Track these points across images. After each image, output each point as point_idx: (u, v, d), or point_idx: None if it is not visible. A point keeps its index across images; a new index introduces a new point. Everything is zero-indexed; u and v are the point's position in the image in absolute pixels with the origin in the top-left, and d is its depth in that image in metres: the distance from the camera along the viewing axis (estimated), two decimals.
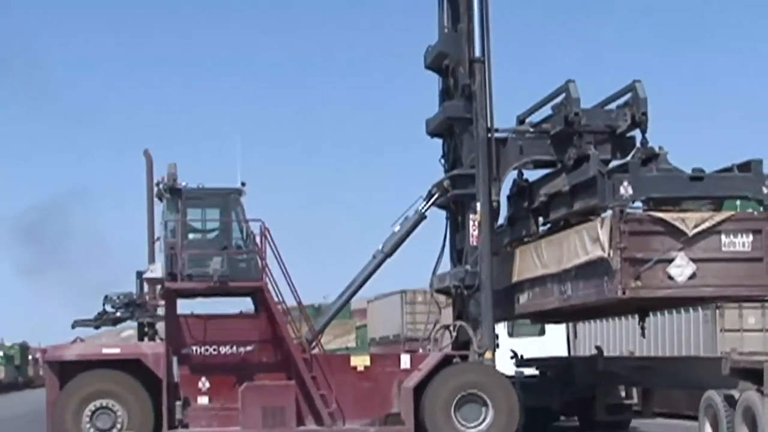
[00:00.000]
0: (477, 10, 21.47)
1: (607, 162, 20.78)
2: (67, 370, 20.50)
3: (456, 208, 22.39)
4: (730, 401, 17.74)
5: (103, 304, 21.79)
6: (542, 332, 29.75)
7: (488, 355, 20.99)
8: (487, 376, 20.72)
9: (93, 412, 20.12)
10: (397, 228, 22.12)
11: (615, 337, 31.00)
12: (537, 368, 25.17)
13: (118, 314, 21.85)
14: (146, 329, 21.70)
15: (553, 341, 29.82)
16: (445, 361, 21.03)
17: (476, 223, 21.29)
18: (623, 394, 24.19)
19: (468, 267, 21.41)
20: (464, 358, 21.28)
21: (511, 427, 20.45)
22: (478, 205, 21.21)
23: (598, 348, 25.02)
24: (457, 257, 22.45)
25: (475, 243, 21.33)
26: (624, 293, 18.40)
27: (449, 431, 20.38)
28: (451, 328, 22.13)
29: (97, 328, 22.32)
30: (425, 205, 22.14)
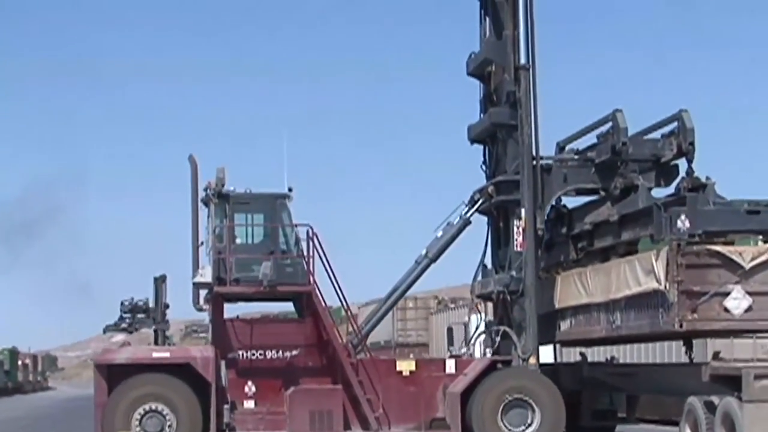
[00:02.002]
0: (522, 16, 21.78)
1: (649, 189, 21.06)
2: (115, 374, 20.67)
3: (498, 214, 22.64)
4: (710, 407, 18.37)
5: (120, 310, 22.13)
6: None
7: (532, 360, 21.32)
8: (533, 381, 21.04)
9: (142, 416, 20.33)
10: (439, 233, 22.37)
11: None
12: None
13: (126, 321, 22.14)
14: (157, 335, 22.00)
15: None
16: (491, 367, 21.33)
17: (521, 229, 21.57)
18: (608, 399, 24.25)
19: (513, 273, 21.68)
20: (507, 363, 21.60)
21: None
22: (523, 211, 21.48)
23: (582, 354, 25.24)
24: (499, 263, 22.71)
25: (519, 249, 21.62)
26: (681, 326, 18.65)
27: None
28: (494, 333, 22.35)
29: (130, 333, 22.61)
30: (469, 211, 22.39)
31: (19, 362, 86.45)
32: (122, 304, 22.12)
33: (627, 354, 28.68)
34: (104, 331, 22.81)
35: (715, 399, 18.38)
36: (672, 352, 26.14)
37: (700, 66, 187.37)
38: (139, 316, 22.07)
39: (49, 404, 56.84)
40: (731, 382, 18.02)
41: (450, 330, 27.35)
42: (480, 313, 23.50)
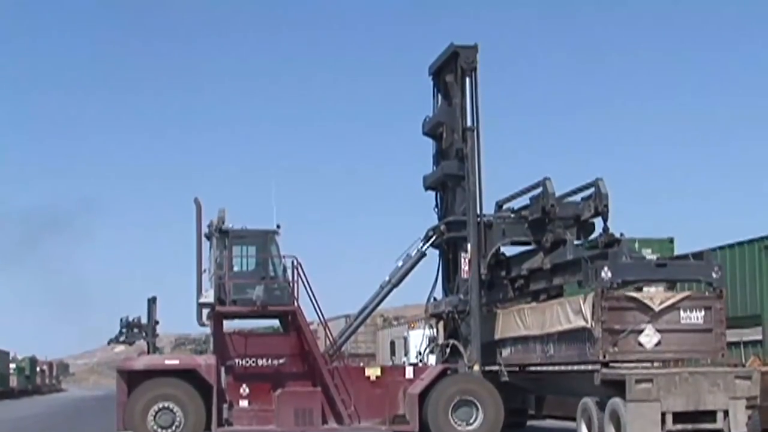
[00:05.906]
0: (468, 89, 26.06)
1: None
2: (134, 378, 24.55)
3: (448, 248, 27.04)
4: (601, 406, 21.77)
5: (119, 325, 26.43)
6: None
7: (476, 367, 25.47)
8: (478, 385, 25.09)
9: (156, 412, 24.04)
10: (400, 263, 26.59)
11: None
12: None
13: (124, 335, 26.46)
14: (149, 347, 26.24)
15: None
16: (443, 373, 25.48)
17: (467, 260, 25.83)
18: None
19: (461, 296, 26.00)
20: (455, 370, 25.73)
21: (497, 426, 24.85)
22: (469, 245, 25.78)
23: (499, 364, 28.10)
24: (449, 288, 27.11)
25: (465, 276, 25.85)
26: (604, 357, 21.56)
27: (447, 430, 24.66)
28: (444, 345, 26.76)
29: (130, 344, 26.88)
30: (425, 245, 26.74)
31: (38, 368, 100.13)
32: (121, 320, 26.29)
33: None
34: (108, 343, 27.03)
35: (605, 399, 21.57)
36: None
37: (612, 130, 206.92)
38: (134, 331, 26.31)
39: (63, 403, 66.00)
40: (617, 386, 21.08)
41: (392, 343, 32.12)
42: (433, 328, 27.98)
